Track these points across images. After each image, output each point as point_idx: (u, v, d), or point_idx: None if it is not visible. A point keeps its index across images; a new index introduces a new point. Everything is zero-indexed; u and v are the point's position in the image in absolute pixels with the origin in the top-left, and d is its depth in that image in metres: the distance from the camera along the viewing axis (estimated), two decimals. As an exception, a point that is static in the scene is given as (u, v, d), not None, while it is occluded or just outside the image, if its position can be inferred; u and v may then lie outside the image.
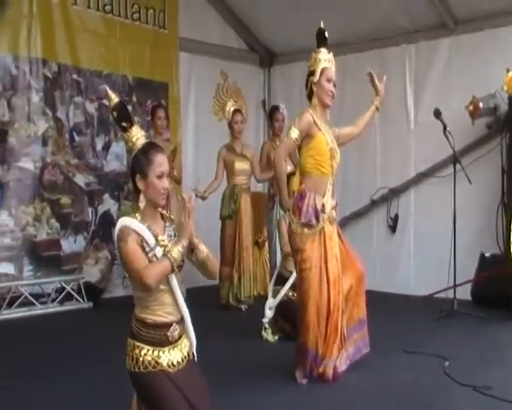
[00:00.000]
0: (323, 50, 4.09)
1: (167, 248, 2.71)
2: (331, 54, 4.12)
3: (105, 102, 7.01)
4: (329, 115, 4.17)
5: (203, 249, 2.82)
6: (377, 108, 4.44)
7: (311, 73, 4.08)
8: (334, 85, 4.09)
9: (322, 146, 4.03)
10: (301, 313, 3.99)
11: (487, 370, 4.09)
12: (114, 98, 2.91)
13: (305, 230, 3.96)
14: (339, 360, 3.98)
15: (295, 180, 4.16)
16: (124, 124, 2.86)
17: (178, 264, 2.69)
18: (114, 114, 2.90)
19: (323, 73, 4.04)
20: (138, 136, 2.86)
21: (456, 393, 3.66)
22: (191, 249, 2.79)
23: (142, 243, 2.73)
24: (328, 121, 4.19)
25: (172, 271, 2.69)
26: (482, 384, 3.66)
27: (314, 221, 3.95)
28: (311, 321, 3.93)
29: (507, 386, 3.70)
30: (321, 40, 4.11)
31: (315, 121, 4.03)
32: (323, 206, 3.99)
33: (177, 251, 2.68)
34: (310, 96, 4.13)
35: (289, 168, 5.65)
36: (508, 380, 3.87)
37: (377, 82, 4.39)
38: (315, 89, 4.06)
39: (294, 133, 3.99)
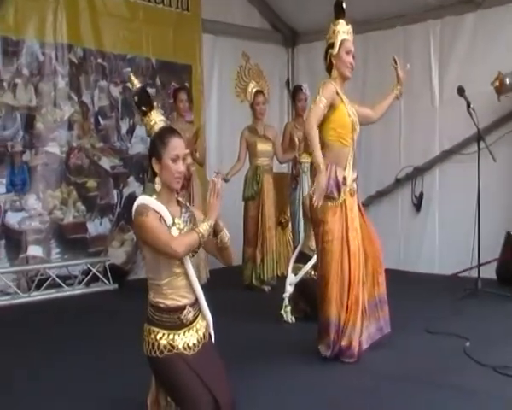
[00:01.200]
0: (342, 22, 4.05)
1: (183, 231, 2.75)
2: (349, 25, 4.07)
3: (129, 85, 7.05)
4: (353, 93, 4.16)
5: (227, 234, 2.87)
6: (397, 97, 4.40)
7: (330, 46, 4.06)
8: (354, 57, 4.06)
9: (345, 118, 4.03)
10: (323, 285, 4.00)
11: (509, 350, 4.07)
12: (137, 83, 2.97)
13: (327, 202, 3.97)
14: (363, 336, 4.00)
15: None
16: (143, 108, 2.91)
17: (205, 239, 2.73)
18: (135, 98, 2.95)
19: (342, 44, 4.02)
20: (156, 120, 2.91)
21: (477, 373, 3.65)
22: (215, 232, 2.83)
23: (160, 220, 2.77)
24: (348, 94, 4.16)
25: (199, 246, 2.74)
26: (502, 364, 3.64)
27: (336, 193, 3.96)
28: (333, 293, 3.94)
29: (528, 366, 3.67)
30: (339, 11, 4.07)
31: (337, 92, 4.02)
32: (345, 178, 4.00)
33: (205, 227, 2.73)
34: (329, 68, 4.11)
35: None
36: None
37: (400, 70, 4.34)
38: (334, 61, 4.05)
39: (322, 101, 3.94)
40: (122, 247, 6.92)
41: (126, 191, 7.01)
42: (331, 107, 4.01)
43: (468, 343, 4.12)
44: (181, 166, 2.84)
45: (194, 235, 2.72)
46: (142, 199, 2.83)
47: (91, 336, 4.69)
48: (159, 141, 2.84)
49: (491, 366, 3.68)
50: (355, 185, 4.11)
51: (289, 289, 5.07)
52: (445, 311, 5.23)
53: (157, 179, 2.85)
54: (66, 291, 6.23)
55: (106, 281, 6.51)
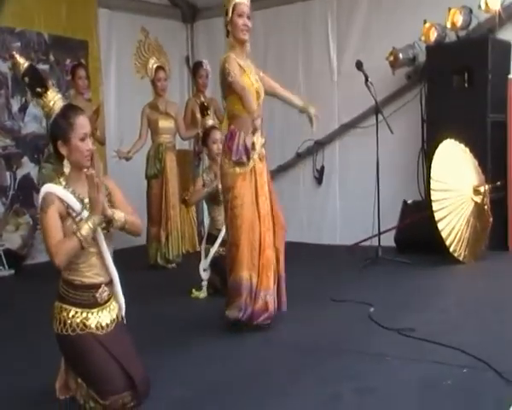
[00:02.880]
0: None
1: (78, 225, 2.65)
2: None
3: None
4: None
5: (119, 218, 2.73)
6: (300, 110, 4.39)
7: (226, 13, 4.00)
8: (249, 18, 4.00)
9: (248, 87, 4.00)
10: (233, 250, 3.99)
11: (411, 314, 4.20)
12: (24, 62, 2.80)
13: (237, 168, 3.97)
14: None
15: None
16: (38, 89, 2.75)
17: (88, 241, 2.63)
18: (26, 79, 2.78)
19: (235, 9, 3.97)
20: (55, 99, 2.76)
21: (382, 337, 3.75)
22: (108, 221, 2.72)
23: (68, 209, 2.68)
24: (251, 57, 4.15)
25: (82, 248, 2.64)
26: (406, 327, 3.76)
27: (245, 159, 3.97)
28: (244, 257, 3.93)
29: (429, 328, 3.80)
30: None
31: (239, 64, 3.99)
32: (253, 144, 4.01)
33: (87, 228, 2.61)
34: (228, 37, 4.07)
35: (211, 122, 5.60)
36: (430, 322, 3.98)
37: (314, 123, 4.33)
38: (229, 28, 4.01)
39: (235, 75, 3.91)
40: (17, 231, 6.62)
41: (20, 173, 6.71)
42: None
43: (372, 309, 4.24)
44: (89, 144, 2.74)
45: (75, 241, 2.60)
46: (48, 187, 2.70)
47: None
48: (64, 122, 2.69)
49: (395, 329, 3.79)
50: (264, 150, 4.12)
51: (204, 275, 5.06)
52: (348, 280, 5.37)
53: (65, 162, 2.72)
54: (-42, 279, 5.91)
55: (1, 267, 6.21)
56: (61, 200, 2.66)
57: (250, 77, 4.04)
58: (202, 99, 6.31)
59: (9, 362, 3.64)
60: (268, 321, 4.01)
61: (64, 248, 2.61)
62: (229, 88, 4.01)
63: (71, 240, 2.62)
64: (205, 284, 5.06)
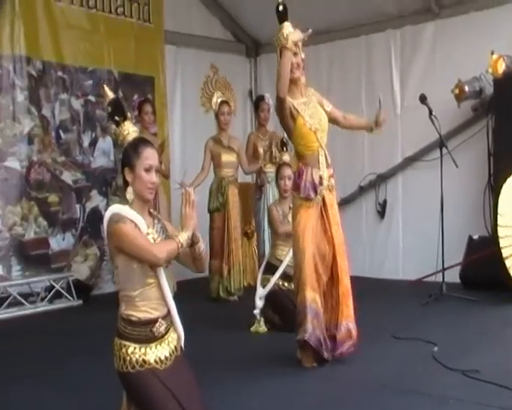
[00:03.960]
0: (287, 24, 4.00)
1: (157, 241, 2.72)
2: (296, 29, 4.02)
3: (91, 98, 7.04)
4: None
5: (202, 243, 2.85)
6: (369, 130, 4.42)
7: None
8: (296, 54, 4.00)
9: (302, 129, 4.06)
10: (298, 272, 4.02)
11: (476, 354, 4.10)
12: (110, 95, 2.95)
13: (305, 203, 4.04)
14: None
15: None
16: (117, 118, 2.87)
17: (183, 249, 2.72)
18: (109, 108, 2.92)
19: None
20: (130, 130, 2.88)
21: (445, 378, 3.66)
22: (192, 242, 2.80)
23: (136, 228, 2.74)
24: (310, 89, 4.19)
25: (178, 256, 2.72)
26: (470, 368, 3.66)
27: (312, 194, 4.03)
28: (307, 277, 3.93)
29: (495, 369, 3.69)
30: (279, 16, 4.02)
31: (292, 106, 4.03)
32: (321, 177, 4.06)
33: (185, 236, 2.72)
34: None
35: (286, 158, 5.65)
36: (496, 364, 3.86)
37: (381, 112, 4.30)
38: None
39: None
40: (85, 262, 6.79)
41: (89, 205, 6.91)
42: (292, 118, 4.06)
43: (435, 348, 4.15)
44: (154, 177, 2.82)
45: (174, 243, 2.71)
46: (116, 208, 2.79)
47: (56, 355, 4.58)
48: (132, 151, 2.81)
49: (460, 370, 3.70)
50: (333, 181, 4.17)
51: (259, 303, 5.05)
52: (411, 316, 5.28)
53: (129, 189, 2.81)
54: (29, 309, 6.07)
55: (70, 297, 6.38)
56: (130, 219, 2.73)
57: (304, 115, 4.05)
58: (284, 135, 6.38)
59: (77, 390, 3.72)
60: (352, 349, 4.02)
61: (166, 247, 2.71)
62: (289, 131, 4.10)
63: (171, 242, 2.71)
64: (257, 311, 5.03)
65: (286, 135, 4.27)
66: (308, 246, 3.96)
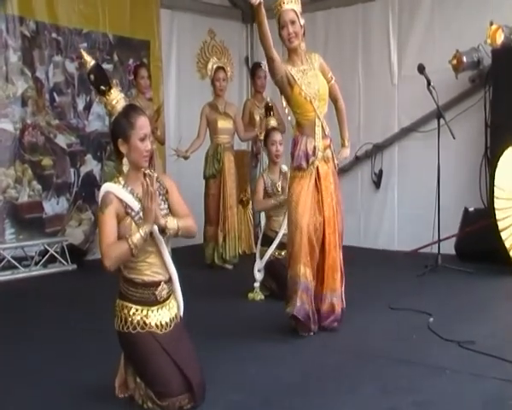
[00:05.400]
0: None
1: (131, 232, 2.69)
2: None
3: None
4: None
5: (172, 226, 2.78)
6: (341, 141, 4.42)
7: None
8: (293, 23, 3.95)
9: (297, 98, 4.01)
10: (290, 246, 4.00)
11: (471, 325, 4.12)
12: (90, 61, 2.88)
13: (298, 173, 4.01)
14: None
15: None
16: (102, 87, 2.81)
17: (138, 249, 2.68)
18: (91, 77, 2.86)
19: (279, 21, 4.00)
20: (118, 98, 2.83)
21: (441, 349, 3.68)
22: (162, 230, 2.77)
23: (127, 208, 2.73)
24: (314, 56, 4.15)
25: (132, 255, 2.68)
26: (466, 339, 3.68)
27: (304, 164, 3.99)
28: (299, 252, 3.91)
29: (490, 341, 3.72)
30: None
31: (288, 73, 3.97)
32: (315, 148, 4.01)
33: (138, 237, 2.66)
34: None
35: (273, 123, 5.59)
36: (491, 335, 3.89)
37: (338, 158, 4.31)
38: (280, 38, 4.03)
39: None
40: (80, 226, 6.77)
41: (84, 170, 6.86)
42: (289, 85, 4.01)
43: (431, 319, 4.17)
44: (148, 145, 2.79)
45: (126, 246, 2.65)
46: (108, 187, 2.77)
47: (50, 318, 4.58)
48: (125, 121, 2.76)
49: (455, 341, 3.71)
50: (329, 152, 4.11)
51: (258, 276, 5.07)
52: (406, 287, 5.29)
53: (124, 160, 2.79)
54: (22, 273, 6.06)
55: (64, 261, 6.37)
56: (120, 199, 2.72)
57: (300, 84, 3.99)
58: (268, 99, 6.28)
59: (75, 355, 3.71)
60: (335, 324, 4.04)
61: (115, 251, 2.66)
62: (287, 98, 4.05)
63: (122, 245, 2.66)
64: (257, 285, 5.06)
65: (284, 103, 4.18)
66: (301, 219, 3.94)
